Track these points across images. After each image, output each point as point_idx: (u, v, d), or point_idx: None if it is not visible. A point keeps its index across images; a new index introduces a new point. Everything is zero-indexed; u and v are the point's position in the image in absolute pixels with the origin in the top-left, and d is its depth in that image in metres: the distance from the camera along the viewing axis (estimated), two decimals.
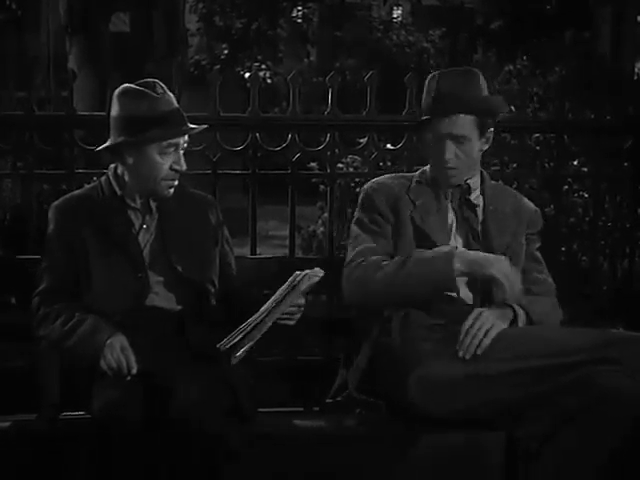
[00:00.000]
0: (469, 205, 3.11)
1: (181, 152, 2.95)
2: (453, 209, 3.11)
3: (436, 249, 2.96)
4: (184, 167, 2.95)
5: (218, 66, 12.74)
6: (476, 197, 3.15)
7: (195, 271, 2.97)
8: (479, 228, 3.10)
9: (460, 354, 2.85)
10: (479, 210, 3.12)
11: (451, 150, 3.03)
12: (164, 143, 2.91)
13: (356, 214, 3.14)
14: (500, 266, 2.87)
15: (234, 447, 2.69)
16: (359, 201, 3.14)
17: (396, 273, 2.91)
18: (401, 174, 3.25)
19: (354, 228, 3.12)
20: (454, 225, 3.09)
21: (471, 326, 2.87)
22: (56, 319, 2.87)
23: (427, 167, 3.18)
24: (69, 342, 2.82)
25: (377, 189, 3.13)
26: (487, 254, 2.95)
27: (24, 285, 3.06)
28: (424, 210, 3.06)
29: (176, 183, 2.97)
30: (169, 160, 2.93)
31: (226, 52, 15.24)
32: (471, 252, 2.96)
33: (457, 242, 3.06)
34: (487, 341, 2.85)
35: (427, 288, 2.90)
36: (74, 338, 2.81)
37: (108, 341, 2.75)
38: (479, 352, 2.84)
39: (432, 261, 2.90)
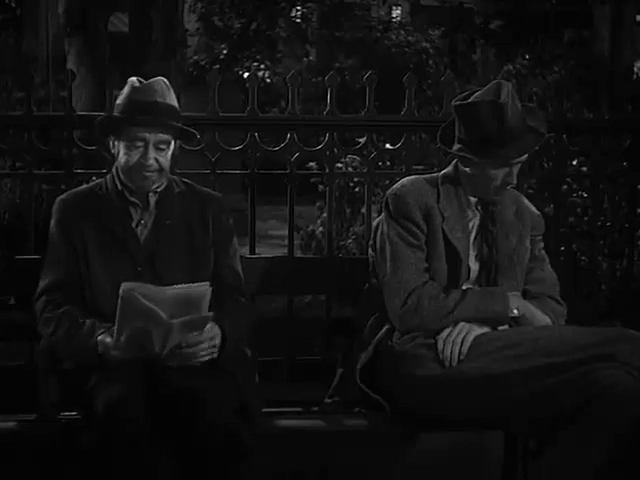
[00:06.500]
0: (492, 219, 3.09)
1: (152, 148, 2.90)
2: (476, 220, 3.10)
3: (488, 289, 3.03)
4: (148, 162, 2.90)
5: (217, 66, 12.72)
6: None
7: (181, 271, 2.93)
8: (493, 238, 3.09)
9: (446, 364, 2.89)
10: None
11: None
12: (131, 134, 2.90)
13: (387, 219, 3.06)
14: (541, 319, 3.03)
15: (245, 446, 2.68)
16: (389, 205, 3.06)
17: (453, 310, 2.96)
18: (422, 177, 3.14)
19: (393, 236, 3.02)
20: (472, 235, 3.08)
21: (448, 335, 2.92)
22: (59, 325, 2.86)
23: (447, 172, 3.11)
24: (70, 347, 2.84)
25: (407, 195, 3.04)
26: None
27: (24, 285, 3.06)
28: (452, 222, 3.04)
29: (151, 179, 2.93)
30: (136, 154, 2.92)
31: (225, 52, 15.21)
32: (520, 295, 3.06)
33: (472, 254, 3.06)
34: (465, 347, 2.89)
35: (478, 320, 2.97)
36: (73, 343, 2.83)
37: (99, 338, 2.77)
38: (462, 358, 2.88)
39: (491, 301, 2.98)
